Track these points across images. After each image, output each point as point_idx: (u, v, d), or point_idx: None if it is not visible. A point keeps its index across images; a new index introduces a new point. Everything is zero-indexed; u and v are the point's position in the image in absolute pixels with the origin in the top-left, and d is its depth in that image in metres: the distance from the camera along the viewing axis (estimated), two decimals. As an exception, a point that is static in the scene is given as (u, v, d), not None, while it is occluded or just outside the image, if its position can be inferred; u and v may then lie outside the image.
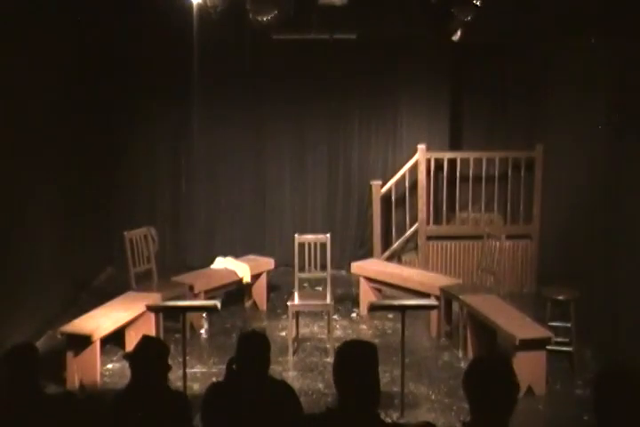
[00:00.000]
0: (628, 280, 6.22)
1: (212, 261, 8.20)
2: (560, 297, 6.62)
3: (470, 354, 6.74)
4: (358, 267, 8.26)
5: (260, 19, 6.59)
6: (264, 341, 3.80)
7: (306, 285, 8.27)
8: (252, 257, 8.43)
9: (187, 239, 9.68)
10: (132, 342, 6.25)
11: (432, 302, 6.67)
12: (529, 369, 5.99)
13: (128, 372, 3.86)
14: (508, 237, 7.80)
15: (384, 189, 9.09)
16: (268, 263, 8.36)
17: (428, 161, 8.88)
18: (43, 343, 6.90)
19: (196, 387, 6.13)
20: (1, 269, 6.29)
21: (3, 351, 3.81)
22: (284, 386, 3.85)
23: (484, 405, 2.83)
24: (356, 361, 3.02)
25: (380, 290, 8.09)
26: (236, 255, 8.38)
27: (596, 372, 3.22)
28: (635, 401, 2.93)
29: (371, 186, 9.16)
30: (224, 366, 3.85)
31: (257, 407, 3.58)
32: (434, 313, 7.32)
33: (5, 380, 3.60)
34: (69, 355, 6.14)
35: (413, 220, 9.04)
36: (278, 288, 8.68)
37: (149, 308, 6.26)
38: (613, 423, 2.96)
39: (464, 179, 8.93)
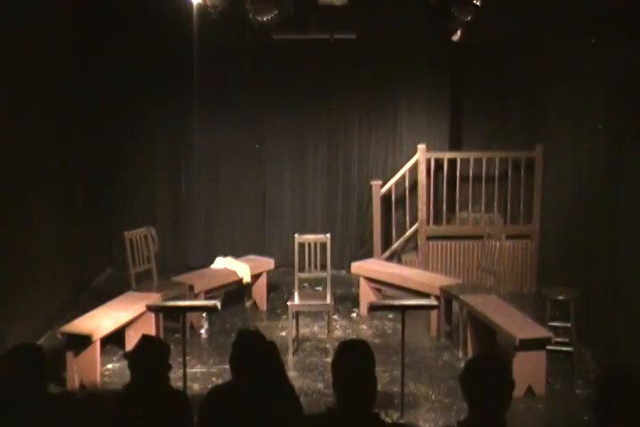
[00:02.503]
0: (628, 280, 6.21)
1: (212, 261, 8.20)
2: (560, 297, 6.62)
3: (470, 354, 6.73)
4: (358, 267, 8.26)
5: (260, 19, 6.59)
6: (259, 340, 3.76)
7: (306, 285, 8.28)
8: (251, 257, 8.44)
9: (187, 239, 9.68)
10: (131, 342, 6.25)
11: (432, 302, 6.67)
12: (529, 369, 6.00)
13: (128, 372, 3.86)
14: (508, 237, 7.79)
15: (384, 189, 9.09)
16: (268, 263, 8.36)
17: (428, 161, 8.88)
18: (43, 343, 6.88)
19: (196, 387, 6.13)
20: (1, 270, 6.29)
21: (5, 351, 3.80)
22: (284, 387, 3.84)
23: (480, 402, 2.91)
24: (351, 361, 3.03)
25: (379, 290, 8.09)
26: (236, 255, 8.38)
27: (598, 373, 3.24)
28: (635, 402, 2.95)
29: (371, 186, 9.16)
30: (224, 367, 3.84)
31: (256, 409, 3.56)
32: (434, 313, 7.32)
33: (9, 380, 3.60)
34: (69, 355, 6.15)
35: (413, 220, 9.04)
36: (278, 288, 8.69)
37: (149, 308, 6.26)
38: (613, 424, 2.98)
39: (464, 179, 8.93)
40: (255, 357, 3.64)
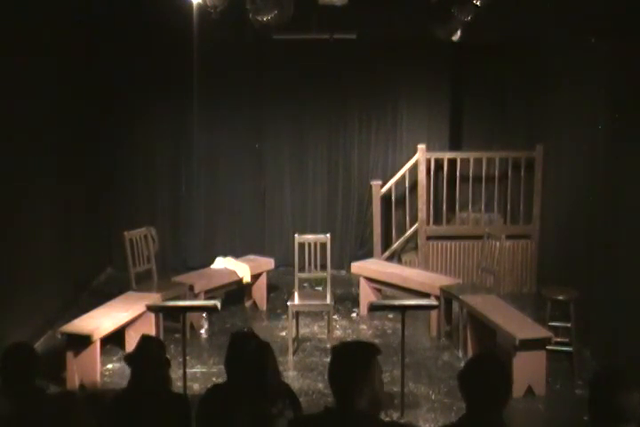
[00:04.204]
0: (628, 280, 6.21)
1: (212, 261, 8.20)
2: (560, 297, 6.62)
3: (470, 354, 6.73)
4: (358, 267, 8.26)
5: (260, 19, 6.59)
6: (252, 339, 3.82)
7: (306, 285, 8.28)
8: (251, 257, 8.43)
9: (187, 239, 9.68)
10: (131, 342, 6.25)
11: (432, 302, 6.67)
12: (529, 369, 6.00)
13: (128, 372, 3.87)
14: (508, 237, 7.79)
15: (384, 189, 9.09)
16: (268, 263, 8.36)
17: (428, 161, 8.87)
18: (43, 343, 6.90)
19: (196, 387, 6.13)
20: (1, 269, 6.29)
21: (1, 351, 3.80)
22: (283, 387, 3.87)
23: (478, 400, 2.92)
24: (345, 362, 3.01)
25: (379, 290, 8.09)
26: (236, 255, 8.38)
27: (593, 373, 3.25)
28: (626, 401, 2.96)
29: (371, 186, 9.16)
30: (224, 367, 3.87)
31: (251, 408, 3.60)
32: (434, 313, 7.32)
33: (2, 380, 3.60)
34: (69, 355, 6.15)
35: (413, 220, 9.03)
36: (278, 288, 8.69)
37: (149, 308, 6.26)
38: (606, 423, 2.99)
39: (464, 179, 8.92)
40: (248, 355, 3.68)
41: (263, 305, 8.21)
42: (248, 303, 8.27)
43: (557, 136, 8.31)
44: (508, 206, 8.97)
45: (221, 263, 8.09)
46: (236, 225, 9.71)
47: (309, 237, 7.28)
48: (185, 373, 5.61)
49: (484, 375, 2.94)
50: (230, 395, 3.61)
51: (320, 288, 8.30)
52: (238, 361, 3.71)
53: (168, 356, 4.08)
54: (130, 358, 3.86)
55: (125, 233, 7.27)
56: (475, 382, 2.94)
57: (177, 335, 6.87)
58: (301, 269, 7.23)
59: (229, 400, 3.59)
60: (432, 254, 8.89)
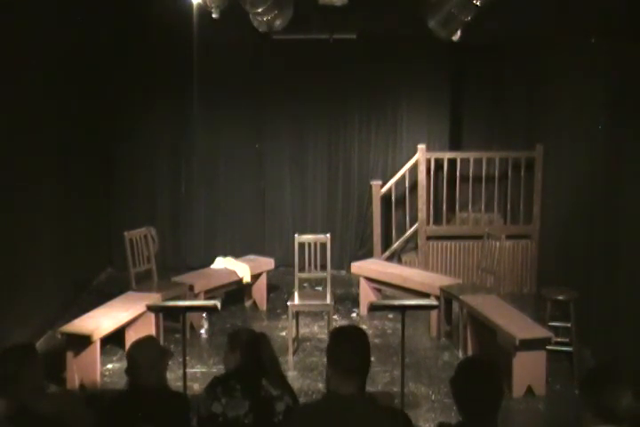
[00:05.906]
0: (628, 280, 6.21)
1: (212, 261, 8.20)
2: (560, 297, 6.62)
3: (470, 354, 6.73)
4: (358, 267, 8.26)
5: (260, 18, 6.59)
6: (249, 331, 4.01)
7: (306, 285, 8.28)
8: (252, 257, 8.43)
9: (187, 239, 9.68)
10: (131, 342, 6.24)
11: (432, 302, 6.66)
12: (529, 369, 6.00)
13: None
14: (508, 237, 7.80)
15: (384, 189, 9.09)
16: (268, 263, 8.36)
17: (428, 161, 8.87)
18: (43, 343, 6.90)
19: (196, 387, 6.13)
20: (1, 269, 6.29)
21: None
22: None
23: (470, 406, 2.91)
24: (343, 348, 3.04)
25: (379, 290, 8.09)
26: (236, 255, 8.38)
27: (586, 371, 3.23)
28: (615, 400, 2.94)
29: (371, 186, 9.16)
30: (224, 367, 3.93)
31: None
32: (434, 313, 7.32)
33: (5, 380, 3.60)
34: (69, 355, 6.15)
35: (413, 220, 9.03)
36: (278, 288, 8.69)
37: (149, 308, 6.25)
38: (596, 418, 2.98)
39: (464, 179, 8.92)
40: (243, 344, 3.88)
41: (263, 305, 8.21)
42: (248, 303, 8.27)
43: (557, 136, 8.30)
44: (508, 206, 8.97)
45: (221, 263, 8.09)
46: (236, 225, 9.71)
47: (309, 237, 7.28)
48: (185, 373, 5.60)
49: (472, 382, 2.92)
50: (230, 382, 3.70)
51: (320, 288, 8.30)
52: (235, 351, 3.88)
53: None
54: (126, 371, 3.89)
55: (125, 233, 7.27)
56: (463, 390, 2.93)
57: (177, 335, 6.87)
58: (301, 269, 7.22)
59: (228, 386, 3.68)
60: (432, 254, 8.89)
